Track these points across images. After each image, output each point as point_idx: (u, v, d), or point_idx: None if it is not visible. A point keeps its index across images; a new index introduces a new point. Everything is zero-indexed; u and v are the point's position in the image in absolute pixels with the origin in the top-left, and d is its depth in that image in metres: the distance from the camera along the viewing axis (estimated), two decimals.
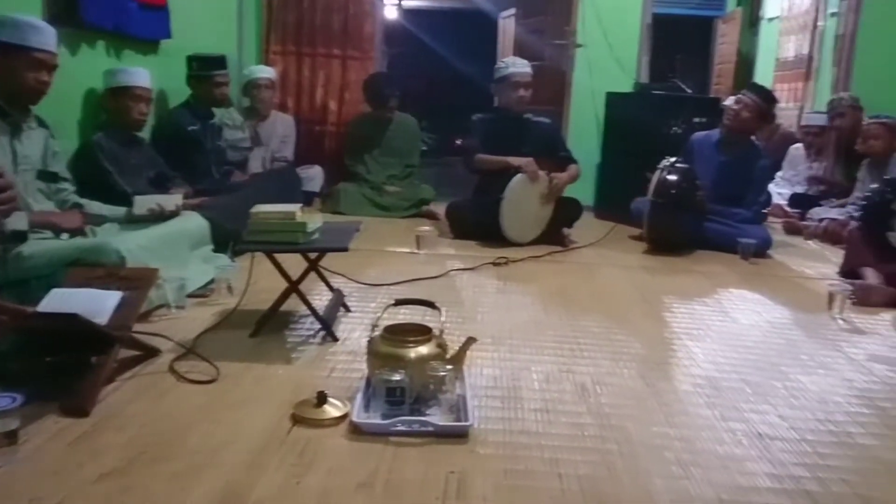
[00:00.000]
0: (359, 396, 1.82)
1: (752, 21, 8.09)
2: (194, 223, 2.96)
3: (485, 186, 4.13)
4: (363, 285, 3.02)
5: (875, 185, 3.17)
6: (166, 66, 3.92)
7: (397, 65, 9.08)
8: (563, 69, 5.21)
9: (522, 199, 3.91)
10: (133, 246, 2.40)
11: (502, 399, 1.96)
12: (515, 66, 4.11)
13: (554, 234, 4.07)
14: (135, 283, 2.07)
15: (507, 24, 7.31)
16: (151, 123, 3.68)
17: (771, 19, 7.40)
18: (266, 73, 4.79)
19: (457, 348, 1.93)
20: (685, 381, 2.16)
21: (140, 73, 3.31)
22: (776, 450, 1.75)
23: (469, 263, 3.48)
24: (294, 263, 2.43)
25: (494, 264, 3.51)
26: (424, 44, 10.43)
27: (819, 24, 6.06)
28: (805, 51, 6.31)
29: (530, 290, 3.11)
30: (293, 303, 2.42)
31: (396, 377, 1.74)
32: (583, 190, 4.66)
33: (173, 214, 2.92)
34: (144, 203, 2.90)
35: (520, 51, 5.62)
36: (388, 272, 3.23)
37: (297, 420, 1.76)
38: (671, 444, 1.75)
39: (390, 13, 10.45)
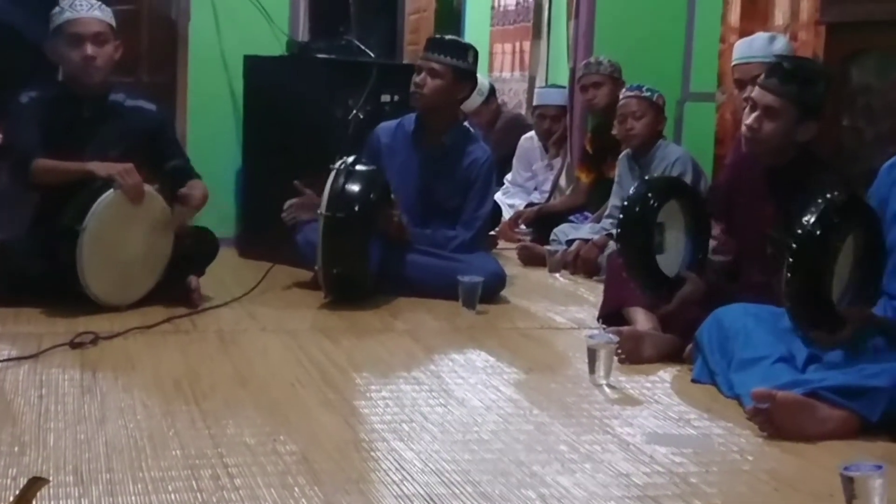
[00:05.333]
0: None
1: None
2: None
3: (50, 214, 3.93)
4: None
5: (634, 189, 3.54)
6: None
7: None
8: (171, 17, 5.17)
9: (117, 231, 3.79)
10: None
11: None
12: (76, 8, 3.99)
13: (174, 288, 4.01)
14: None
15: None
16: None
17: None
18: None
19: (12, 500, 1.78)
20: None
21: None
22: None
23: (27, 347, 3.29)
24: None
25: (74, 345, 3.35)
26: None
27: None
28: None
29: (139, 384, 3.01)
30: None
31: None
32: (217, 214, 4.63)
33: None
34: None
35: None
36: None
37: None
38: None
39: None
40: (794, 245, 2.88)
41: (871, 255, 2.98)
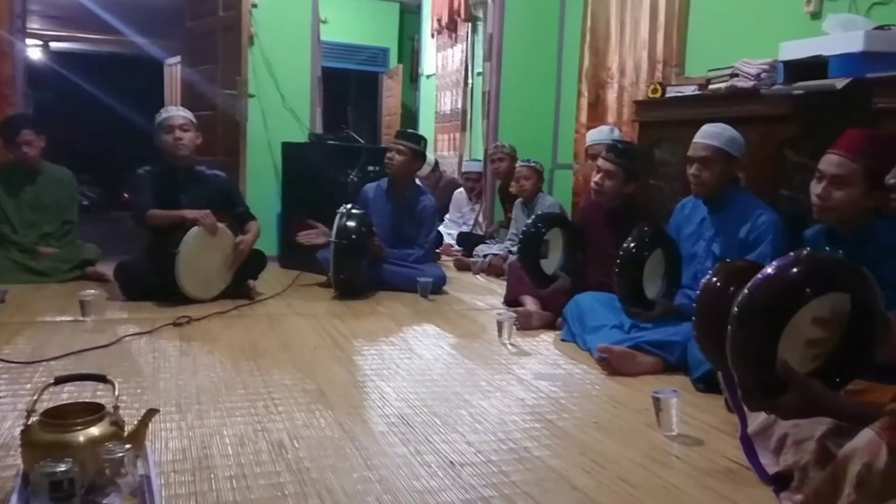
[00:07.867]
0: (14, 498, 1.54)
1: (413, 77, 8.80)
2: None
3: (159, 243, 3.87)
4: (14, 364, 2.62)
5: (528, 221, 3.58)
6: None
7: (47, 111, 8.20)
8: (236, 119, 5.12)
9: (201, 253, 3.74)
10: None
11: (193, 471, 1.81)
12: (169, 111, 4.00)
13: (239, 287, 3.96)
14: None
15: (174, 72, 7.01)
16: None
17: (429, 76, 8.11)
18: None
19: (136, 423, 1.74)
20: (380, 422, 2.21)
21: None
22: (467, 475, 1.85)
23: (146, 326, 3.22)
24: None
25: (175, 325, 3.29)
26: (82, 90, 9.53)
27: (469, 81, 6.77)
28: (459, 105, 7.01)
29: (217, 349, 2.96)
30: None
31: (62, 467, 1.51)
32: (266, 240, 4.60)
33: None
34: None
35: (190, 100, 5.39)
36: (47, 346, 2.86)
37: None
38: (372, 488, 1.76)
39: (34, 54, 9.43)
40: (620, 254, 2.94)
41: (671, 265, 3.03)
